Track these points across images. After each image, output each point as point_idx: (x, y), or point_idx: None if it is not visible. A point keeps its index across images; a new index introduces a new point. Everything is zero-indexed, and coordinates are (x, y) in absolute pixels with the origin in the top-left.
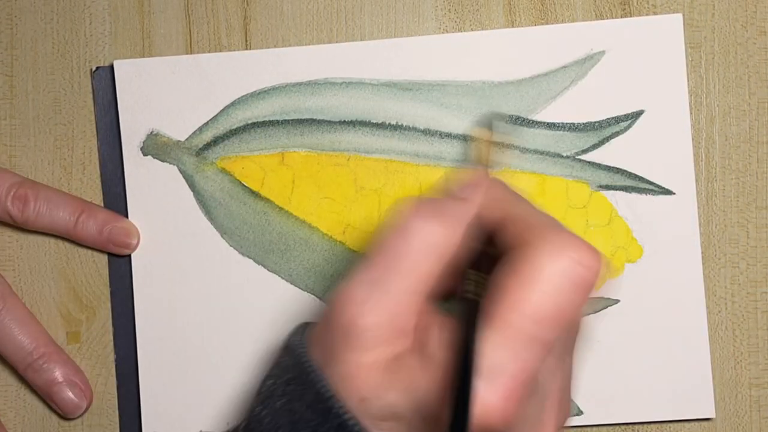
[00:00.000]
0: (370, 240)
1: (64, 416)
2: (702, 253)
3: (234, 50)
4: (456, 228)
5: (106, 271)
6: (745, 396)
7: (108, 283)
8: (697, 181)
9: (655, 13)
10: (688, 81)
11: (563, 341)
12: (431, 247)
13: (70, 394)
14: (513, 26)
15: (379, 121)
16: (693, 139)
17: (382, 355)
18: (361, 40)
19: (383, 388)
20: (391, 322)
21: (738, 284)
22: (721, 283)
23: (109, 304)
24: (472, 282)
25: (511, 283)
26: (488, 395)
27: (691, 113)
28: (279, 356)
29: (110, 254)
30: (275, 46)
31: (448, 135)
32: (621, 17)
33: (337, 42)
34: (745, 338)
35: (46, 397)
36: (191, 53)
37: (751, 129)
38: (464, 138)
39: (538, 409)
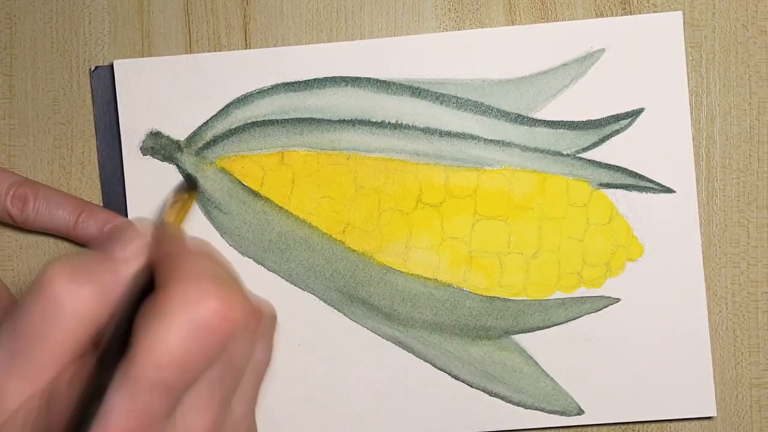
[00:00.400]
0: (14, 306)
1: None
2: (702, 252)
3: (234, 50)
4: (113, 291)
5: None
6: (745, 396)
7: None
8: (697, 180)
9: (655, 11)
10: (688, 80)
11: (215, 383)
12: (79, 317)
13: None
14: (513, 25)
15: (379, 120)
16: (693, 139)
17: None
18: (360, 39)
19: None
20: (34, 389)
21: (739, 284)
22: (722, 283)
23: None
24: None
25: (141, 327)
26: None
27: (691, 113)
28: None
29: None
30: (275, 46)
31: (448, 133)
32: (621, 15)
33: (336, 41)
34: (746, 338)
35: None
36: (191, 53)
37: (752, 129)
38: (461, 136)
39: None
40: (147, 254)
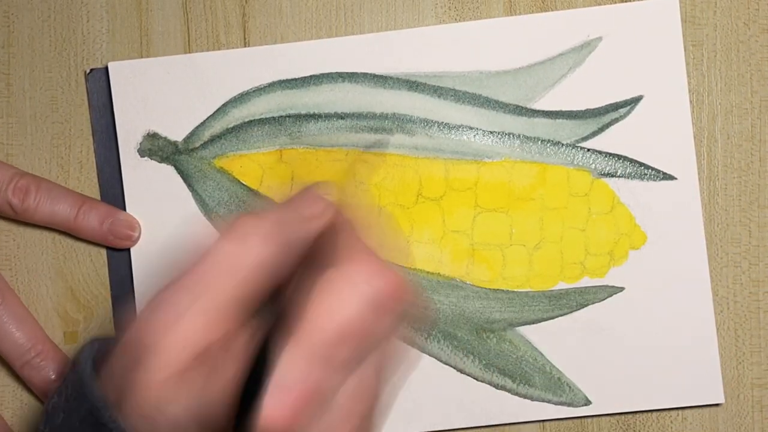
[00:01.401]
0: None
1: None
2: (705, 239)
3: (232, 48)
4: (294, 247)
5: (104, 271)
6: (747, 396)
7: (106, 284)
8: (699, 179)
9: None
10: (689, 78)
11: (366, 364)
12: (265, 262)
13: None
14: (512, 15)
15: (377, 115)
16: (695, 138)
17: (172, 372)
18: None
19: (165, 402)
20: (192, 343)
21: (740, 284)
22: (724, 283)
23: (106, 305)
24: (286, 295)
25: (313, 301)
26: (272, 408)
27: (692, 111)
28: (66, 372)
29: (109, 249)
30: (274, 44)
31: (447, 126)
32: (619, 3)
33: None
34: (748, 338)
35: (42, 395)
36: (189, 51)
37: (753, 127)
38: (460, 129)
39: (329, 429)
40: (331, 215)
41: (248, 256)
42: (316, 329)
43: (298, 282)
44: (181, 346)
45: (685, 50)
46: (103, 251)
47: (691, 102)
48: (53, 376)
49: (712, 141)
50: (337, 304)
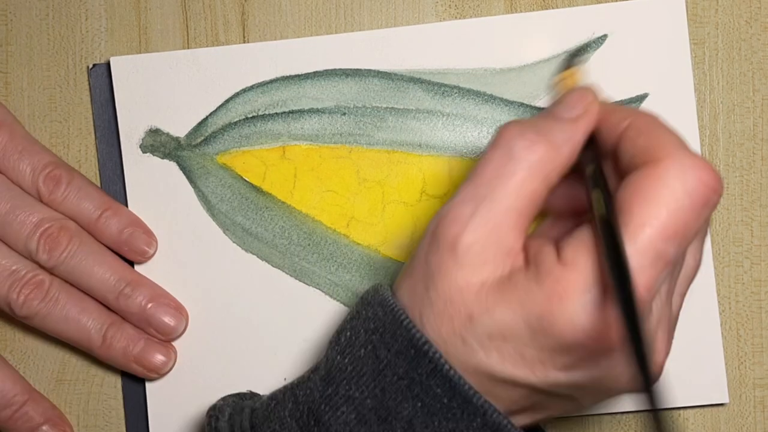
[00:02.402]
0: (473, 162)
1: (163, 336)
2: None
3: (232, 45)
4: (563, 149)
5: None
6: (749, 397)
7: None
8: None
9: None
10: (689, 50)
11: (678, 267)
12: (536, 167)
13: (166, 318)
14: (512, 10)
15: (381, 112)
16: (698, 132)
17: (490, 275)
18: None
19: (492, 304)
20: (497, 241)
21: (742, 283)
22: (725, 283)
23: None
24: (599, 201)
25: (640, 201)
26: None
27: (691, 79)
28: (357, 311)
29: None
30: (270, 37)
31: (451, 123)
32: (623, 0)
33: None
34: (749, 338)
35: (143, 323)
36: (188, 49)
37: (755, 126)
38: (464, 127)
39: (652, 333)
40: (594, 118)
41: (517, 162)
42: (647, 228)
43: (595, 183)
44: (489, 243)
45: None
46: None
47: (691, 72)
48: (150, 302)
49: (713, 140)
50: (671, 200)
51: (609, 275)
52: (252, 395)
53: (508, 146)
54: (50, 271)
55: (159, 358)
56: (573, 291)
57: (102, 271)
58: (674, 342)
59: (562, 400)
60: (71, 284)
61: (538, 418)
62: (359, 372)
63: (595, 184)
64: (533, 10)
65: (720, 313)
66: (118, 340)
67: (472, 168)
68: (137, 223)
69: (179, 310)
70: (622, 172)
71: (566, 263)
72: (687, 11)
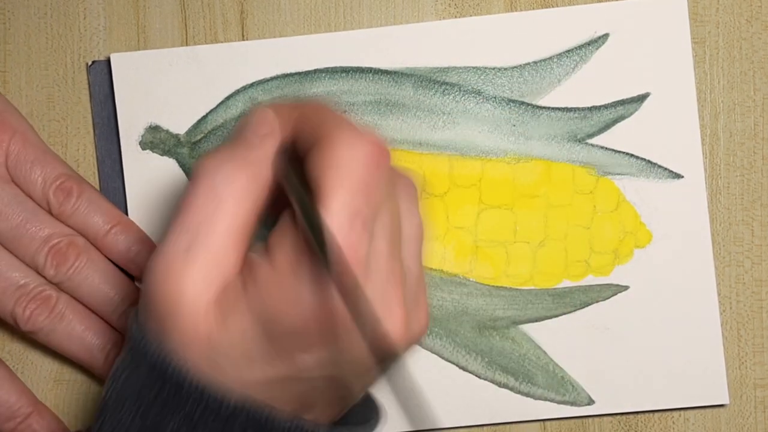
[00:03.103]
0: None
1: None
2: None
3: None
4: (261, 169)
5: None
6: (750, 397)
7: None
8: (703, 180)
9: None
10: (691, 50)
11: (386, 229)
12: (242, 195)
13: None
14: (512, 7)
15: (381, 110)
16: (699, 138)
17: (210, 301)
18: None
19: (222, 317)
20: (217, 274)
21: (743, 283)
22: (726, 282)
23: None
24: (291, 186)
25: (320, 174)
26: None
27: (693, 80)
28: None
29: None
30: (271, 35)
31: (452, 122)
32: None
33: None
34: (750, 338)
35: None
36: (189, 46)
37: (756, 126)
38: (465, 125)
39: (382, 294)
40: (280, 129)
41: (222, 197)
42: (336, 194)
43: (287, 176)
44: (211, 283)
45: None
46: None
47: (693, 73)
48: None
49: (714, 139)
50: (343, 164)
51: (314, 247)
52: None
53: (210, 183)
54: (57, 286)
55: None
56: (285, 279)
57: (107, 289)
58: (674, 342)
59: (326, 384)
60: (77, 300)
61: (321, 413)
62: (122, 399)
63: (287, 177)
64: (533, 8)
65: (721, 313)
66: None
67: (176, 210)
68: (145, 240)
69: None
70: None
71: (272, 253)
72: (688, 10)
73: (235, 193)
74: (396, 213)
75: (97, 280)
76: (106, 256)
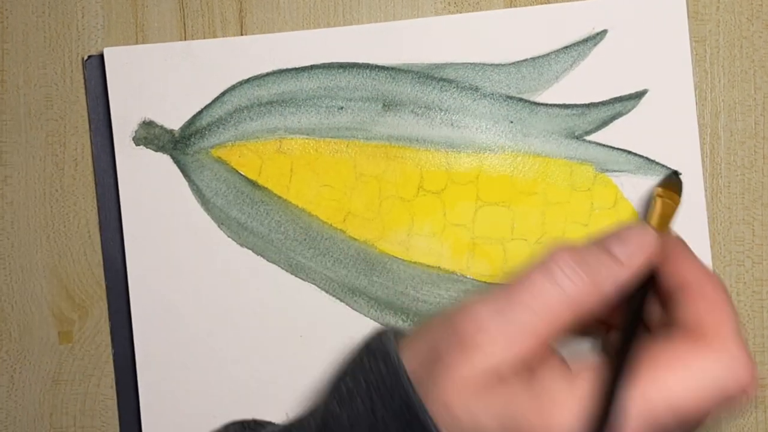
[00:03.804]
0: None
1: None
2: (709, 236)
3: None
4: (604, 288)
5: (99, 269)
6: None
7: (102, 283)
8: (702, 178)
9: None
10: (693, 74)
11: None
12: (570, 301)
13: None
14: (512, 6)
15: (378, 106)
16: (698, 135)
17: (486, 373)
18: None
19: (475, 402)
20: (507, 351)
21: (743, 283)
22: (726, 282)
23: (101, 303)
24: (626, 334)
25: (668, 361)
26: None
27: (695, 107)
28: (360, 357)
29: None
30: (267, 30)
31: (449, 118)
32: None
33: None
34: (751, 338)
35: None
36: (184, 41)
37: (757, 125)
38: (462, 121)
39: None
40: (648, 262)
41: (553, 291)
42: (660, 393)
43: (632, 321)
44: (505, 345)
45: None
46: (99, 249)
47: (691, 70)
48: None
49: (715, 138)
50: (692, 380)
51: (596, 414)
52: (255, 425)
53: (552, 271)
54: None
55: None
56: (561, 410)
57: None
58: None
59: None
60: None
61: None
62: (355, 425)
63: (629, 322)
64: (531, 4)
65: None
66: None
67: (516, 275)
68: None
69: None
70: (664, 321)
71: (574, 376)
72: (688, 8)
73: (566, 296)
74: None
75: None
76: None
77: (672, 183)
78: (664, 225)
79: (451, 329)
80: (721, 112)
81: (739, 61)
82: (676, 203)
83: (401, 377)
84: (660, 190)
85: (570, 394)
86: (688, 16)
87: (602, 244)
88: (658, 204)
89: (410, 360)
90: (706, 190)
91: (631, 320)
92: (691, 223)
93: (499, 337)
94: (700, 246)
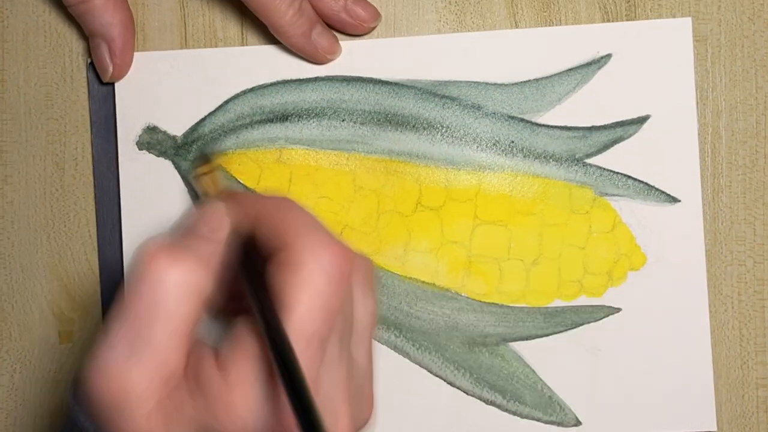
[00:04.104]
0: (116, 298)
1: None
2: (708, 251)
3: (230, 44)
4: (208, 266)
5: (98, 269)
6: (752, 397)
7: (99, 281)
8: (702, 177)
9: (660, 5)
10: (694, 75)
11: (339, 334)
12: (185, 291)
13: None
14: (515, 19)
15: (380, 121)
16: (699, 135)
17: (154, 403)
18: (359, 35)
19: (165, 423)
20: (161, 373)
21: (745, 282)
22: (728, 282)
23: (101, 303)
24: (253, 297)
25: (285, 285)
26: None
27: (696, 108)
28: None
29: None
30: (272, 41)
31: (450, 135)
32: (625, 12)
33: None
34: (752, 338)
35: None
36: (186, 47)
37: (758, 124)
38: (463, 139)
39: (329, 403)
40: (231, 221)
41: (194, 279)
42: (293, 314)
43: (249, 280)
44: (152, 380)
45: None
46: (98, 249)
47: (695, 98)
48: None
49: (716, 138)
50: (303, 283)
51: (275, 368)
52: None
53: (157, 275)
54: None
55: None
56: (237, 396)
57: None
58: (664, 367)
59: None
60: None
61: None
62: None
63: (249, 281)
64: (534, 11)
65: (723, 312)
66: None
67: (118, 300)
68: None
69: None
70: (268, 259)
71: (226, 367)
72: (689, 8)
73: (180, 290)
74: (350, 309)
75: None
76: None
77: (202, 160)
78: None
79: (98, 393)
80: (722, 111)
81: (741, 61)
82: (213, 170)
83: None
84: (199, 171)
85: (236, 378)
86: (689, 16)
87: (190, 229)
88: (206, 180)
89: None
90: (707, 190)
91: (254, 285)
92: (689, 251)
93: (148, 373)
94: (697, 275)
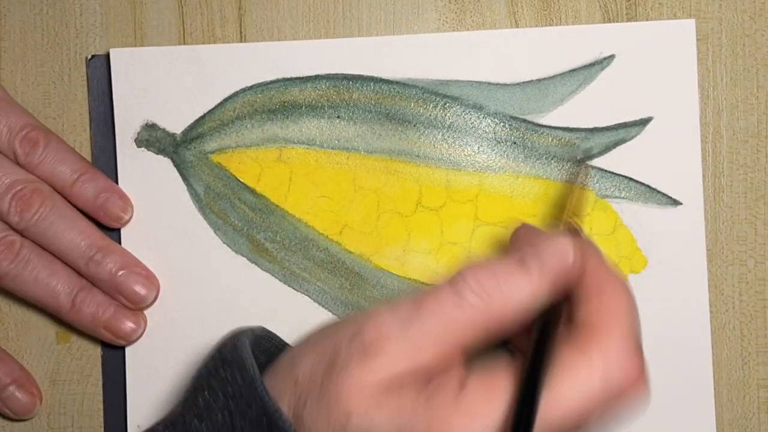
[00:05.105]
0: (426, 282)
1: (133, 305)
2: (709, 251)
3: (228, 42)
4: (511, 304)
5: None
6: (753, 397)
7: None
8: (704, 177)
9: (660, 4)
10: (698, 105)
11: None
12: (471, 312)
13: (136, 287)
14: (515, 18)
15: (381, 120)
16: (700, 134)
17: (387, 379)
18: (358, 32)
19: (374, 407)
20: (409, 359)
21: (746, 282)
22: (729, 282)
23: None
24: (533, 342)
25: (559, 369)
26: None
27: (697, 107)
28: (216, 368)
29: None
30: (270, 38)
31: (451, 135)
32: (626, 12)
33: (334, 35)
34: (753, 338)
35: (113, 290)
36: (184, 45)
37: (759, 123)
38: (464, 139)
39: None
40: (561, 279)
41: (460, 308)
42: (549, 409)
43: (541, 335)
44: (408, 354)
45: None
46: None
47: (698, 101)
48: (122, 270)
49: (717, 137)
50: (580, 385)
51: (508, 424)
52: (264, 332)
53: (459, 289)
54: (21, 233)
55: (128, 325)
56: (458, 422)
57: (73, 236)
58: (665, 369)
59: None
60: (43, 248)
61: None
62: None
63: (537, 333)
64: (533, 9)
65: (723, 313)
66: (88, 305)
67: (424, 289)
68: (113, 188)
69: (150, 279)
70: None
71: (465, 389)
72: (690, 7)
73: (473, 313)
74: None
75: (62, 227)
76: (74, 205)
77: (582, 172)
78: (578, 218)
79: (354, 334)
80: (723, 110)
81: (742, 60)
82: (585, 186)
83: (257, 387)
84: (578, 181)
85: (465, 412)
86: (691, 15)
87: (518, 255)
88: (579, 196)
89: (301, 365)
90: (708, 189)
91: (540, 333)
92: (690, 254)
93: (403, 345)
94: (698, 278)
